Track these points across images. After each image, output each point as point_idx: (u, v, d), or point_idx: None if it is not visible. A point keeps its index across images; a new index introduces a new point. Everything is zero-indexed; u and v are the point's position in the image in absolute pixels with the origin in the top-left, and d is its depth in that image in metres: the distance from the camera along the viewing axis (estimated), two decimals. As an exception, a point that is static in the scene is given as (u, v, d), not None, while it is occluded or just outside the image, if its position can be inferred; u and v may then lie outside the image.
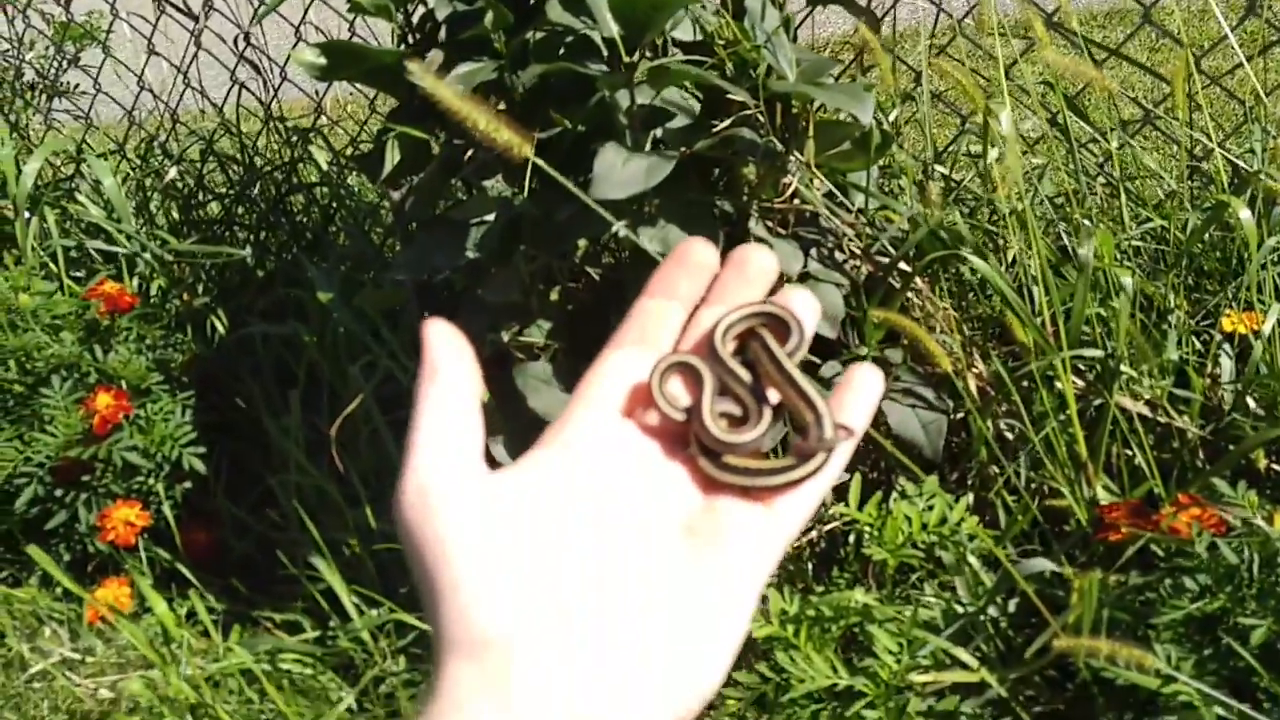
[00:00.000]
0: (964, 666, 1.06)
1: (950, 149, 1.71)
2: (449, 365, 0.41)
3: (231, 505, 1.69)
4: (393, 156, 1.28)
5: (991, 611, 1.13)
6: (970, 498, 1.15)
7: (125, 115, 2.60)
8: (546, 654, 0.36)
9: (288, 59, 1.67)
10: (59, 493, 1.61)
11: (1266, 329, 1.30)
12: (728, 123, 1.22)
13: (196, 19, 2.21)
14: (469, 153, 1.32)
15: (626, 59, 1.16)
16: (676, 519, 0.41)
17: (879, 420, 1.29)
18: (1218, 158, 1.42)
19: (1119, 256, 1.43)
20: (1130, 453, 1.25)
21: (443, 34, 1.28)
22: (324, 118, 2.24)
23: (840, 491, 1.23)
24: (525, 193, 1.20)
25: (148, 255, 2.03)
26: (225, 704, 1.34)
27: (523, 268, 1.29)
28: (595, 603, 0.37)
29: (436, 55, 1.24)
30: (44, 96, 2.59)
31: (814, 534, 1.35)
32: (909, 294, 1.34)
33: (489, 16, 1.16)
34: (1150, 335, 1.36)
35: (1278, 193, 1.35)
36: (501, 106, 1.24)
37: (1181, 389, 1.32)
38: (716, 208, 1.31)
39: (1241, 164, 1.48)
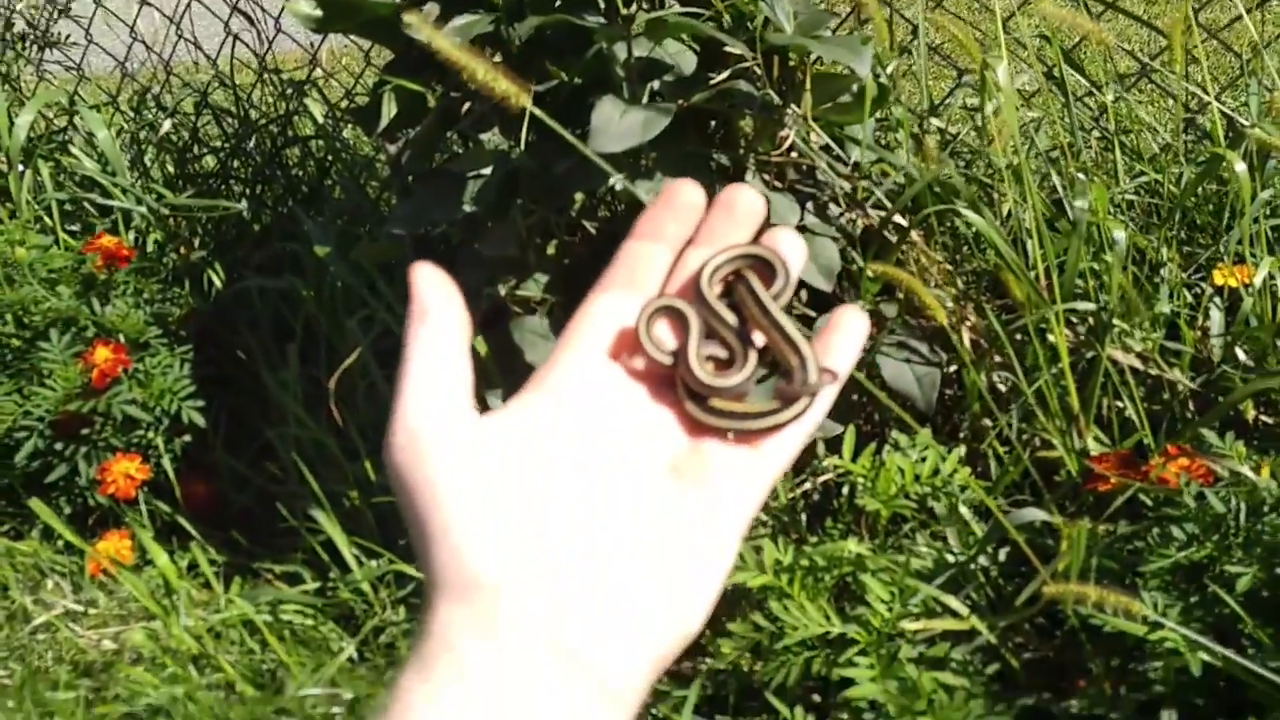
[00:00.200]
0: (954, 614, 1.07)
1: (946, 102, 1.71)
2: (438, 309, 0.41)
3: (231, 458, 1.70)
4: (389, 109, 1.27)
5: (982, 560, 1.14)
6: (963, 449, 1.16)
7: (118, 67, 2.58)
8: (534, 595, 0.36)
9: (282, 10, 1.66)
10: (59, 446, 1.61)
11: (1257, 282, 1.31)
12: (725, 75, 1.22)
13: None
14: (466, 105, 1.31)
15: (624, 11, 1.16)
16: (663, 461, 0.41)
17: (874, 373, 1.30)
18: (1214, 111, 1.41)
19: (1113, 210, 1.44)
20: (1121, 405, 1.26)
21: (439, -14, 1.27)
22: (319, 70, 2.22)
23: (834, 443, 1.25)
24: (522, 146, 1.19)
25: (143, 209, 2.02)
26: (227, 654, 1.36)
27: (520, 221, 1.29)
28: (582, 544, 0.38)
29: (433, 7, 1.23)
30: (35, 47, 2.56)
31: (808, 485, 1.36)
32: (904, 248, 1.35)
33: (485, -32, 1.16)
34: (1142, 288, 1.37)
35: (1272, 146, 1.35)
36: (498, 59, 1.23)
37: (1173, 341, 1.33)
38: (713, 160, 1.31)
39: (1237, 118, 1.48)
